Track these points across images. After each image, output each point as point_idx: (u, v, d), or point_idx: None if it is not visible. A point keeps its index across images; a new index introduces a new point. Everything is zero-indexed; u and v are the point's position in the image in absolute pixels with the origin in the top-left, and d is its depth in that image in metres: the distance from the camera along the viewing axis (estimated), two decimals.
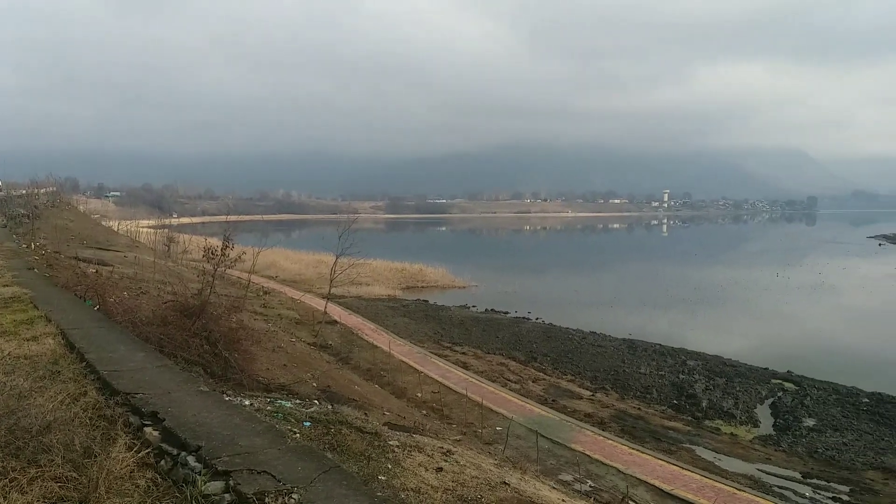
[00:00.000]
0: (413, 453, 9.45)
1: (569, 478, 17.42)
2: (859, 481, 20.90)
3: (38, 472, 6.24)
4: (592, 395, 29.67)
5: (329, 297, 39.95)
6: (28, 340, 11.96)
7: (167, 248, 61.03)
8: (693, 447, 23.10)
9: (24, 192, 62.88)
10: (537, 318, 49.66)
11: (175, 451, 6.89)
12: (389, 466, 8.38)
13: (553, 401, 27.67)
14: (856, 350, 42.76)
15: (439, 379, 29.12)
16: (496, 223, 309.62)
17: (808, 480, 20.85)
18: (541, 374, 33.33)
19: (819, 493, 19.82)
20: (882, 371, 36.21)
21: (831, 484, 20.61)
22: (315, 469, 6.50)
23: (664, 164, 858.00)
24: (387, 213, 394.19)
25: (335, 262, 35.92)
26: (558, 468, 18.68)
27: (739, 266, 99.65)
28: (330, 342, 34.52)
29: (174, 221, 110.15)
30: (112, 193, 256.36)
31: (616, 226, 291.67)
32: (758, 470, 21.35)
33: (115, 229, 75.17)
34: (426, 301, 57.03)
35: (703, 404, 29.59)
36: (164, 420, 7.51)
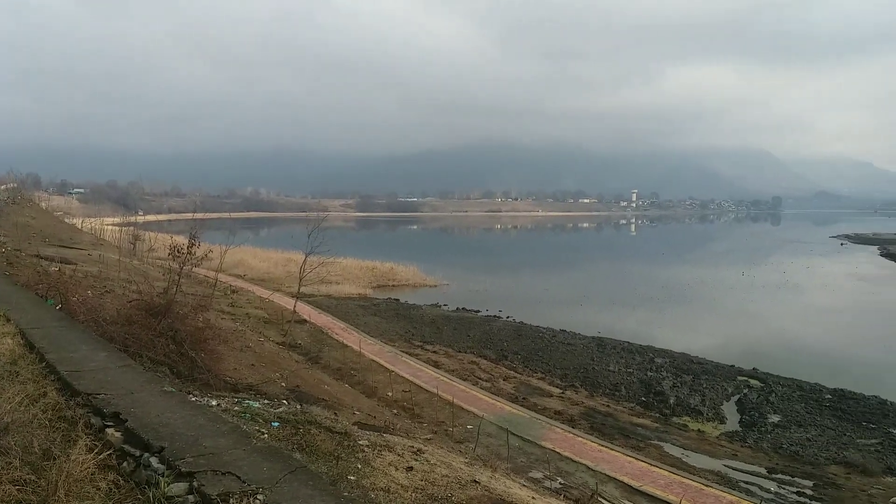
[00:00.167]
0: (383, 453, 9.37)
1: (539, 475, 17.47)
2: (822, 476, 21.32)
3: None
4: (562, 393, 29.84)
5: (298, 296, 39.57)
6: None
7: (133, 246, 60.03)
8: (661, 444, 23.36)
9: None
10: (508, 317, 49.84)
11: (137, 453, 6.74)
12: (359, 466, 8.29)
13: (523, 399, 27.77)
14: (819, 347, 43.71)
15: (410, 378, 29.04)
16: (467, 222, 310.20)
17: (774, 476, 21.20)
18: (512, 372, 33.43)
19: (784, 488, 20.17)
20: (844, 368, 37.05)
21: (795, 479, 20.98)
22: (281, 469, 6.41)
23: (632, 164, 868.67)
24: (357, 212, 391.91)
25: (304, 261, 35.64)
26: (529, 466, 18.73)
27: (706, 265, 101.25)
28: (299, 341, 34.21)
29: (140, 219, 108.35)
30: (76, 190, 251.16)
31: (585, 225, 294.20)
32: (724, 466, 21.66)
33: (79, 227, 73.73)
34: (397, 300, 56.86)
35: (671, 401, 29.96)
36: (127, 421, 7.34)
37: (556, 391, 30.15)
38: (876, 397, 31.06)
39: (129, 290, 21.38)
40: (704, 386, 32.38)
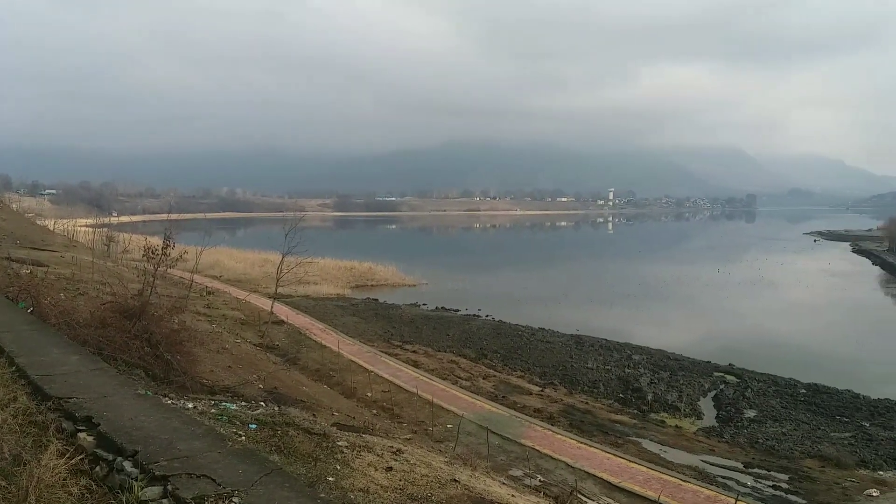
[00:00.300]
0: (362, 453, 9.32)
1: (519, 473, 17.50)
2: (798, 469, 21.62)
3: None
4: (542, 391, 29.95)
5: (275, 297, 39.28)
6: None
7: (107, 247, 59.21)
8: (639, 440, 23.52)
9: None
10: (487, 316, 49.94)
11: (110, 457, 6.62)
12: (338, 467, 8.23)
13: (503, 397, 27.82)
14: (794, 343, 44.37)
15: (389, 378, 28.95)
16: (446, 221, 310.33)
17: (750, 470, 21.46)
18: (491, 370, 33.48)
19: (760, 482, 20.41)
20: (818, 363, 37.69)
21: (771, 473, 21.25)
22: (257, 471, 6.34)
23: (609, 162, 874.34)
24: (335, 211, 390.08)
25: (282, 261, 35.36)
26: (508, 464, 18.76)
27: (682, 262, 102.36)
28: (277, 343, 33.96)
29: (114, 220, 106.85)
30: (47, 191, 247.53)
31: (563, 224, 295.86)
32: (702, 461, 21.87)
33: (51, 228, 72.40)
34: (376, 300, 56.69)
35: (649, 397, 30.22)
36: (99, 425, 7.20)
37: (536, 389, 30.25)
38: (849, 391, 31.61)
39: (103, 292, 21.05)
40: (681, 382, 32.71)
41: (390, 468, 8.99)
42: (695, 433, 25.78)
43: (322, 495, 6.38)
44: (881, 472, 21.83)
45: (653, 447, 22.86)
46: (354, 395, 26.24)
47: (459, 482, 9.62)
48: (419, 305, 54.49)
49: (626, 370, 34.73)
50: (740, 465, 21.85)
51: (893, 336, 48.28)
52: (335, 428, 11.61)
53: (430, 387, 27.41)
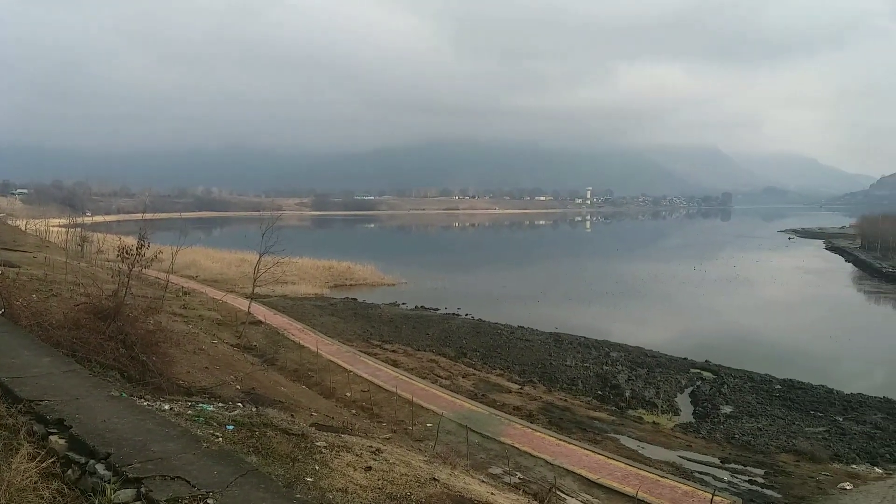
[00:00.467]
0: (341, 453, 9.27)
1: (498, 471, 17.54)
2: (773, 464, 21.91)
3: None
4: (521, 389, 30.03)
5: (253, 297, 38.91)
6: None
7: (80, 247, 58.34)
8: (617, 436, 23.69)
9: None
10: (467, 314, 49.99)
11: (83, 460, 6.52)
12: (317, 468, 8.18)
13: (483, 395, 27.85)
14: (769, 339, 44.96)
15: (369, 378, 28.85)
16: (425, 220, 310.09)
17: (727, 465, 21.71)
18: (471, 369, 33.50)
19: (737, 477, 20.66)
20: (793, 359, 38.22)
21: (747, 468, 21.52)
22: (233, 473, 6.28)
23: (587, 161, 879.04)
24: (313, 210, 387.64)
25: (259, 261, 34.99)
26: (488, 462, 18.79)
27: (659, 260, 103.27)
28: (254, 343, 33.71)
29: (87, 220, 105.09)
30: (19, 191, 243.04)
31: (542, 222, 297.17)
32: (679, 457, 22.08)
33: (23, 229, 71.22)
34: (355, 299, 56.46)
35: (627, 394, 30.43)
36: (71, 427, 7.08)
37: (515, 387, 30.33)
38: (823, 386, 32.12)
39: (77, 293, 20.79)
40: (659, 379, 32.98)
41: (369, 468, 8.95)
42: (672, 429, 26.01)
43: (298, 495, 6.33)
44: (854, 466, 22.20)
45: (631, 443, 23.03)
46: (333, 395, 26.12)
47: (439, 481, 9.60)
48: (398, 305, 54.38)
49: (605, 367, 34.95)
50: (717, 461, 22.09)
51: (866, 332, 49.17)
52: (314, 428, 11.54)
53: (409, 386, 27.36)
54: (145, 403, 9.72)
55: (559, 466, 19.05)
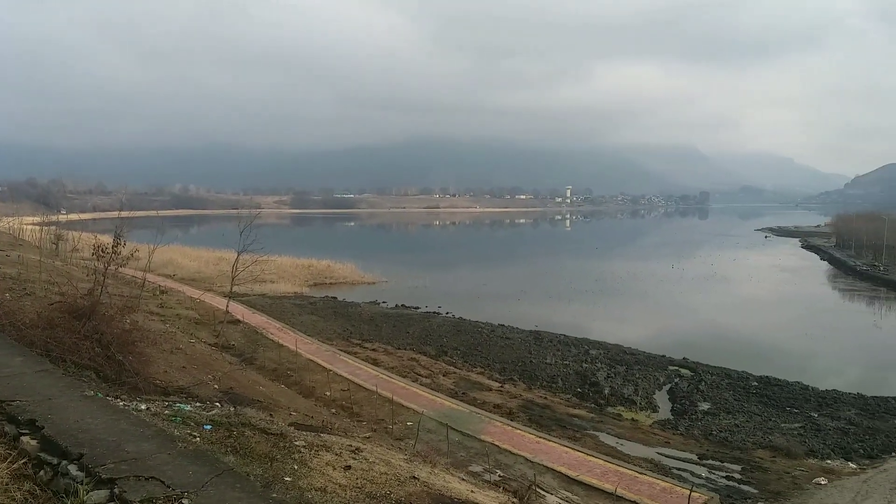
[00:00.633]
0: (320, 453, 9.20)
1: (479, 469, 17.53)
2: (750, 460, 22.17)
3: None
4: (501, 387, 30.09)
5: (231, 296, 38.58)
6: None
7: (55, 246, 57.33)
8: (597, 433, 23.82)
9: None
10: (447, 313, 50.01)
11: (55, 461, 6.40)
12: (296, 467, 8.11)
13: (463, 394, 27.87)
14: (746, 336, 45.53)
15: (349, 377, 28.73)
16: (406, 218, 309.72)
17: (704, 461, 21.92)
18: (451, 367, 33.51)
19: (714, 473, 20.88)
20: (769, 356, 38.73)
21: (725, 464, 21.76)
22: (208, 473, 6.21)
23: (567, 160, 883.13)
24: (292, 208, 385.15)
25: (237, 259, 34.71)
26: (468, 460, 18.79)
27: (638, 259, 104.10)
28: (233, 342, 33.44)
29: (62, 218, 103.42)
30: None
31: (522, 221, 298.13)
32: (657, 454, 22.25)
33: None
34: (334, 298, 56.23)
35: (606, 391, 30.62)
36: (44, 428, 6.96)
37: (495, 385, 30.39)
38: (798, 383, 32.59)
39: (51, 291, 20.48)
40: (637, 376, 33.23)
41: (349, 467, 8.90)
42: (650, 426, 26.22)
43: (275, 495, 6.27)
44: (829, 461, 22.53)
45: (610, 440, 23.18)
46: (313, 395, 25.97)
47: (419, 479, 9.57)
48: (378, 303, 54.25)
49: (584, 365, 35.14)
50: (695, 457, 22.30)
51: (841, 330, 49.95)
52: (292, 428, 11.44)
53: (389, 385, 27.30)
54: (121, 403, 9.57)
55: (539, 464, 19.10)
